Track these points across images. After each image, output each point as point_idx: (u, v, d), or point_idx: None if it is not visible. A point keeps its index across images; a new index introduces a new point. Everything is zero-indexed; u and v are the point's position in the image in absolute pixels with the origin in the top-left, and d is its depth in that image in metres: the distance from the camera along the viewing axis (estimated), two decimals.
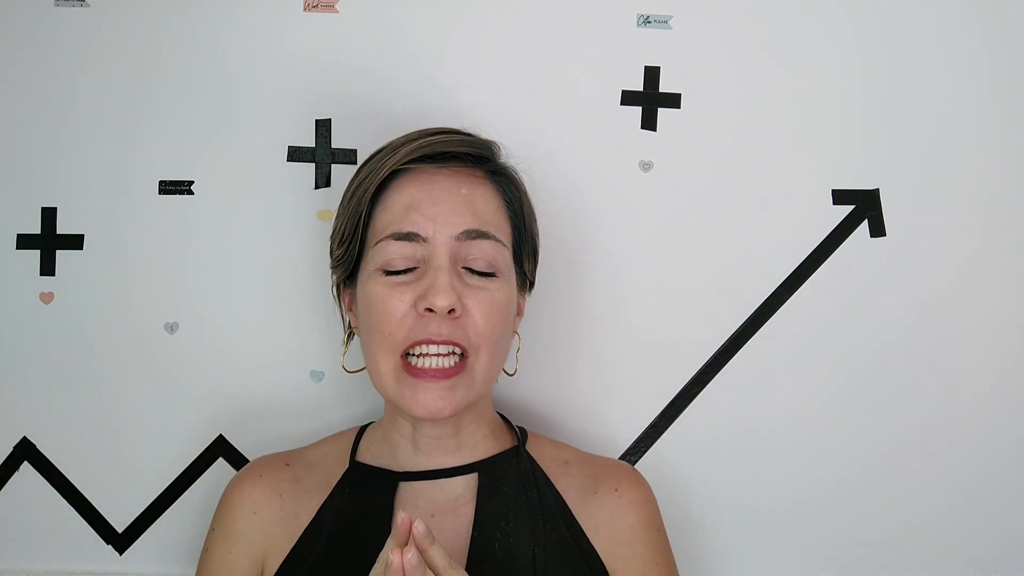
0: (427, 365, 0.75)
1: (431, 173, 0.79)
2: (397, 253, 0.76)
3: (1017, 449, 0.96)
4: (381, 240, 0.77)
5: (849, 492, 0.96)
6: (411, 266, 0.77)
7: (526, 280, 0.85)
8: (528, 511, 0.79)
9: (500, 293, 0.78)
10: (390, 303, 0.75)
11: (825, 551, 0.96)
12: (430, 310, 0.74)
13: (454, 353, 0.76)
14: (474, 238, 0.77)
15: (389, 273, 0.77)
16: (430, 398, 0.74)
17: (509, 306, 0.79)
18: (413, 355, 0.76)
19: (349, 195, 0.82)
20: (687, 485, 0.96)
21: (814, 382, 0.96)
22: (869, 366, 0.96)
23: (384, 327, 0.75)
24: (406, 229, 0.76)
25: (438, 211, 0.77)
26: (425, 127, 0.83)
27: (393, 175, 0.79)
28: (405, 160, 0.78)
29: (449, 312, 0.74)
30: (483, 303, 0.76)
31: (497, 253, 0.78)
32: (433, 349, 0.75)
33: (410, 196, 0.78)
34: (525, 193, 0.85)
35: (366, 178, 0.80)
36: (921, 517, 0.96)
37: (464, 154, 0.80)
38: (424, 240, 0.76)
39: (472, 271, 0.77)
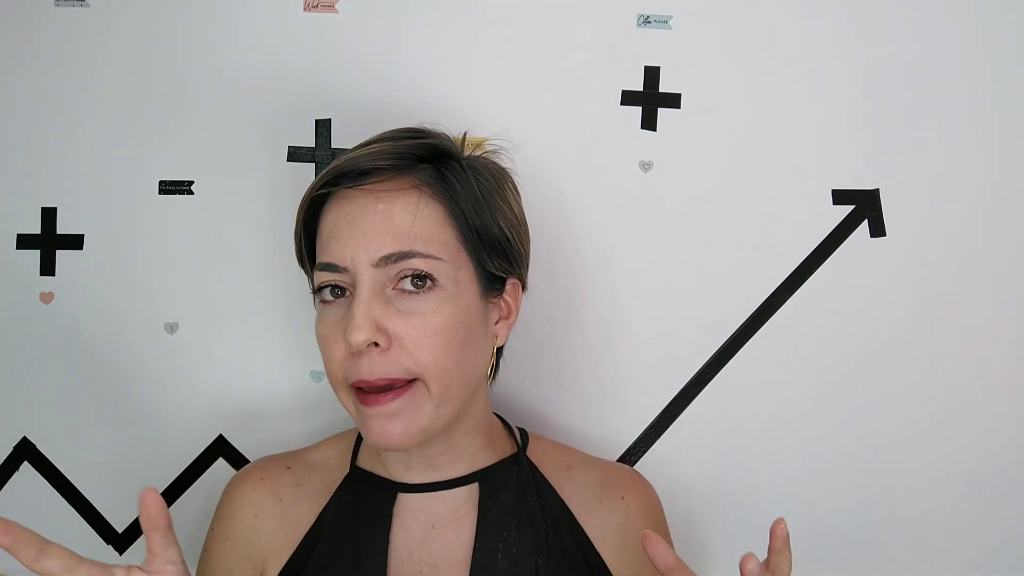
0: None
1: (350, 194, 0.73)
2: (326, 282, 0.73)
3: (1017, 449, 0.96)
4: (315, 269, 0.75)
5: (849, 492, 0.96)
6: (348, 293, 0.73)
7: (501, 281, 0.78)
8: (530, 520, 0.78)
9: (436, 315, 0.70)
10: (327, 343, 0.72)
11: (824, 551, 0.96)
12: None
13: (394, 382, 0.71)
14: (395, 260, 0.70)
15: (326, 302, 0.74)
16: (381, 427, 0.70)
17: (453, 326, 0.71)
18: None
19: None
20: (687, 485, 0.96)
21: (814, 382, 0.96)
22: (869, 366, 0.96)
23: (328, 366, 0.73)
24: (326, 259, 0.72)
25: (354, 235, 0.71)
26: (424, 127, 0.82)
27: (324, 199, 0.75)
28: (319, 187, 0.73)
29: (376, 345, 0.69)
30: (414, 330, 0.70)
31: (428, 268, 0.71)
32: (373, 402, 0.71)
33: (332, 222, 0.73)
34: (476, 188, 0.75)
35: (299, 207, 0.77)
36: (921, 517, 0.96)
37: (379, 168, 0.73)
38: (345, 269, 0.71)
39: (404, 291, 0.71)
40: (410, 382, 0.71)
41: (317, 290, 0.74)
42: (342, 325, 0.71)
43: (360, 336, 0.68)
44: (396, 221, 0.71)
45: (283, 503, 0.81)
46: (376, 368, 0.69)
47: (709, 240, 0.96)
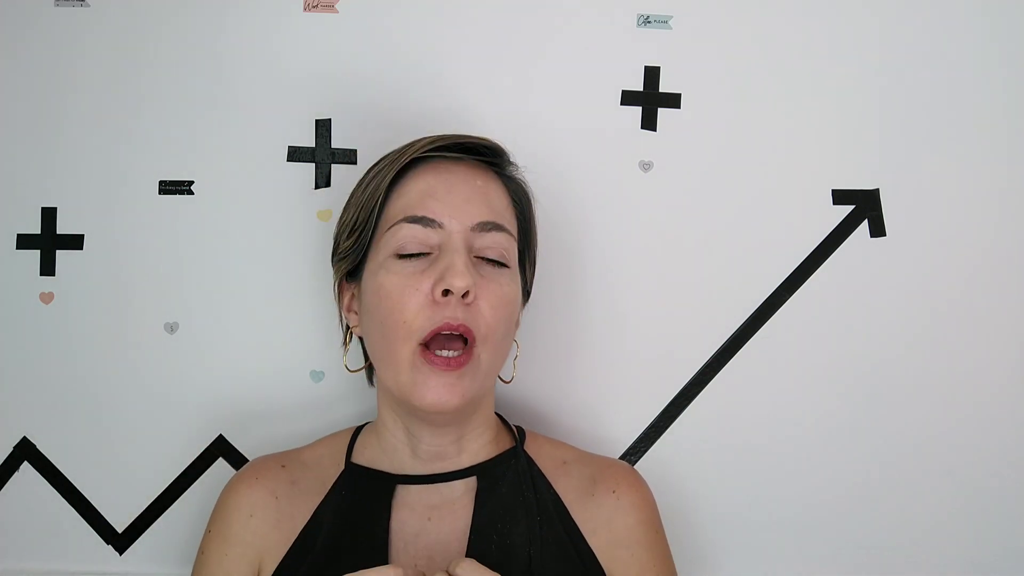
0: (440, 353, 0.75)
1: (448, 163, 0.80)
2: (411, 236, 0.76)
3: (1018, 450, 0.96)
4: (395, 224, 0.77)
5: (849, 492, 0.96)
6: (424, 251, 0.76)
7: (525, 289, 0.85)
8: (525, 512, 0.79)
9: (509, 288, 0.78)
10: (406, 292, 0.75)
11: (824, 552, 0.96)
12: (446, 293, 0.74)
13: (463, 340, 0.76)
14: (488, 230, 0.77)
15: (402, 257, 0.76)
16: (440, 386, 0.74)
17: (515, 303, 0.80)
18: (429, 346, 0.75)
19: (363, 186, 0.82)
20: (687, 485, 0.96)
21: (814, 382, 0.96)
22: (869, 366, 0.96)
23: (398, 316, 0.75)
24: (421, 213, 0.77)
25: (454, 199, 0.77)
26: (425, 127, 0.83)
27: (410, 166, 0.80)
28: (425, 149, 0.79)
29: (464, 296, 0.74)
30: (492, 295, 0.76)
31: (509, 246, 0.79)
32: (442, 366, 0.74)
33: (426, 183, 0.78)
34: (531, 203, 0.86)
35: (384, 168, 0.80)
36: (920, 518, 0.96)
37: (480, 147, 0.81)
38: (439, 226, 0.76)
39: (484, 260, 0.77)
40: (468, 350, 0.76)
41: (396, 246, 0.76)
42: (425, 276, 0.75)
43: (463, 281, 0.73)
44: (491, 197, 0.80)
45: (278, 501, 0.82)
46: (461, 314, 0.74)
47: (709, 240, 0.96)
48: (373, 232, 0.79)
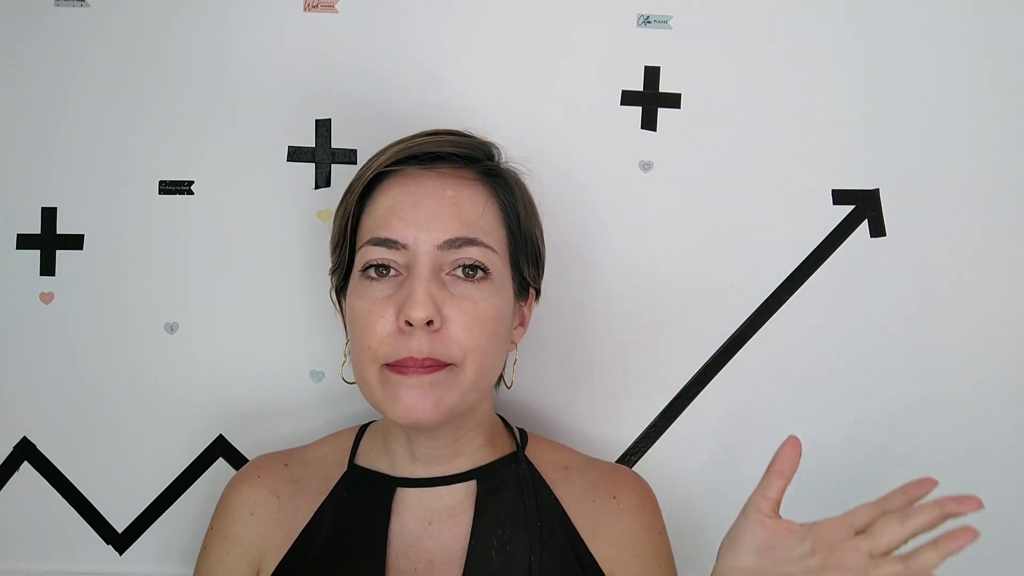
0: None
1: (416, 175, 0.76)
2: (376, 257, 0.74)
3: (1017, 449, 0.96)
4: (363, 245, 0.75)
5: (849, 492, 0.96)
6: (394, 272, 0.74)
7: (527, 287, 0.81)
8: (526, 518, 0.78)
9: (487, 304, 0.74)
10: (371, 319, 0.72)
11: None
12: (409, 323, 0.71)
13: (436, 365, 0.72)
14: (459, 246, 0.73)
15: (371, 279, 0.74)
16: (413, 398, 0.71)
17: (499, 317, 0.75)
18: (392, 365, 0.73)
19: (342, 198, 0.80)
20: (687, 485, 0.96)
21: (814, 382, 0.96)
22: (869, 365, 0.96)
23: (364, 341, 0.73)
24: (385, 235, 0.73)
25: (419, 215, 0.73)
26: (425, 127, 0.83)
27: (382, 177, 0.77)
28: (389, 162, 0.75)
29: (428, 324, 0.71)
30: (466, 315, 0.72)
31: (485, 259, 0.74)
32: (412, 372, 0.71)
33: (393, 199, 0.75)
34: (524, 195, 0.82)
35: (355, 181, 0.78)
36: None
37: (451, 154, 0.76)
38: (404, 247, 0.73)
39: (458, 278, 0.73)
40: (447, 364, 0.72)
41: (364, 268, 0.74)
42: (391, 302, 0.72)
43: (422, 312, 0.70)
44: (464, 208, 0.74)
45: (280, 499, 0.81)
46: (426, 347, 0.70)
47: (709, 240, 0.96)
48: (351, 250, 0.78)
